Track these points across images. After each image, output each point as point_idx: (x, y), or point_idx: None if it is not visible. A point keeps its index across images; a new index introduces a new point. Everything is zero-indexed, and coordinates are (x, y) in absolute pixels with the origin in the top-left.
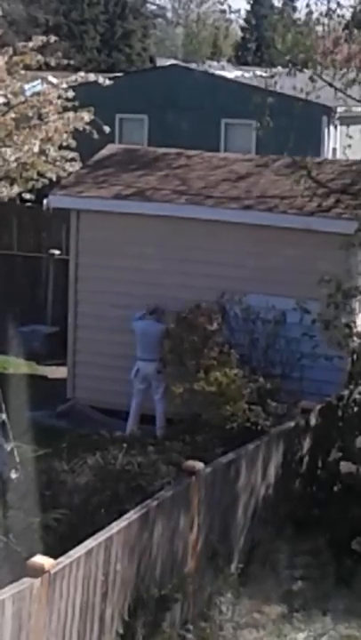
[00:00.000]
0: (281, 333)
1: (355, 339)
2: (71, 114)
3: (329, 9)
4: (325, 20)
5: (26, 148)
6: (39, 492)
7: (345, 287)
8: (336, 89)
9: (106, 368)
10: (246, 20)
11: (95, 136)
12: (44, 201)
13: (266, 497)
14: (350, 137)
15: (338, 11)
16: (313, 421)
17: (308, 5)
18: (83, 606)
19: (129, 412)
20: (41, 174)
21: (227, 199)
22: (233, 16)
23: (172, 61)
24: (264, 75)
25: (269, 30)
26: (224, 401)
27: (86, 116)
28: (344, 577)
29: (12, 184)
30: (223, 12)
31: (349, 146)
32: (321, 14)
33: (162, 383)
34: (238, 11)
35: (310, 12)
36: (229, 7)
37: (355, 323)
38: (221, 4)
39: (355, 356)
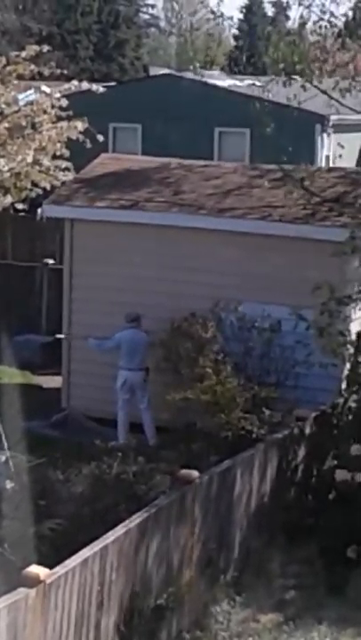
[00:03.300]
0: (276, 341)
1: (349, 346)
2: (65, 123)
3: (321, 18)
4: (318, 29)
5: (19, 157)
6: (34, 501)
7: (338, 294)
8: (330, 97)
9: (101, 377)
10: (239, 29)
11: (88, 145)
12: (38, 210)
13: (261, 505)
14: (342, 146)
15: (331, 19)
16: (308, 430)
17: (301, 17)
18: (78, 616)
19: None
20: (35, 184)
21: (220, 208)
22: (226, 24)
23: (166, 70)
24: (258, 83)
25: (262, 39)
26: (219, 409)
27: (80, 125)
28: (339, 585)
29: (5, 194)
30: (217, 17)
31: (340, 156)
32: (314, 23)
33: (147, 392)
34: (231, 18)
35: (304, 23)
36: (222, 14)
37: (349, 330)
38: (214, 13)
39: (350, 364)
